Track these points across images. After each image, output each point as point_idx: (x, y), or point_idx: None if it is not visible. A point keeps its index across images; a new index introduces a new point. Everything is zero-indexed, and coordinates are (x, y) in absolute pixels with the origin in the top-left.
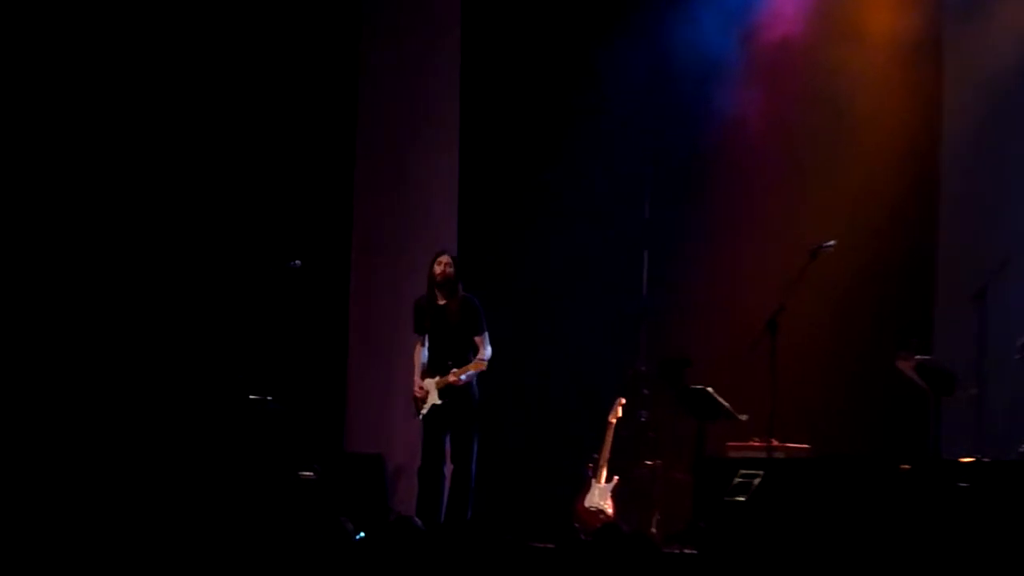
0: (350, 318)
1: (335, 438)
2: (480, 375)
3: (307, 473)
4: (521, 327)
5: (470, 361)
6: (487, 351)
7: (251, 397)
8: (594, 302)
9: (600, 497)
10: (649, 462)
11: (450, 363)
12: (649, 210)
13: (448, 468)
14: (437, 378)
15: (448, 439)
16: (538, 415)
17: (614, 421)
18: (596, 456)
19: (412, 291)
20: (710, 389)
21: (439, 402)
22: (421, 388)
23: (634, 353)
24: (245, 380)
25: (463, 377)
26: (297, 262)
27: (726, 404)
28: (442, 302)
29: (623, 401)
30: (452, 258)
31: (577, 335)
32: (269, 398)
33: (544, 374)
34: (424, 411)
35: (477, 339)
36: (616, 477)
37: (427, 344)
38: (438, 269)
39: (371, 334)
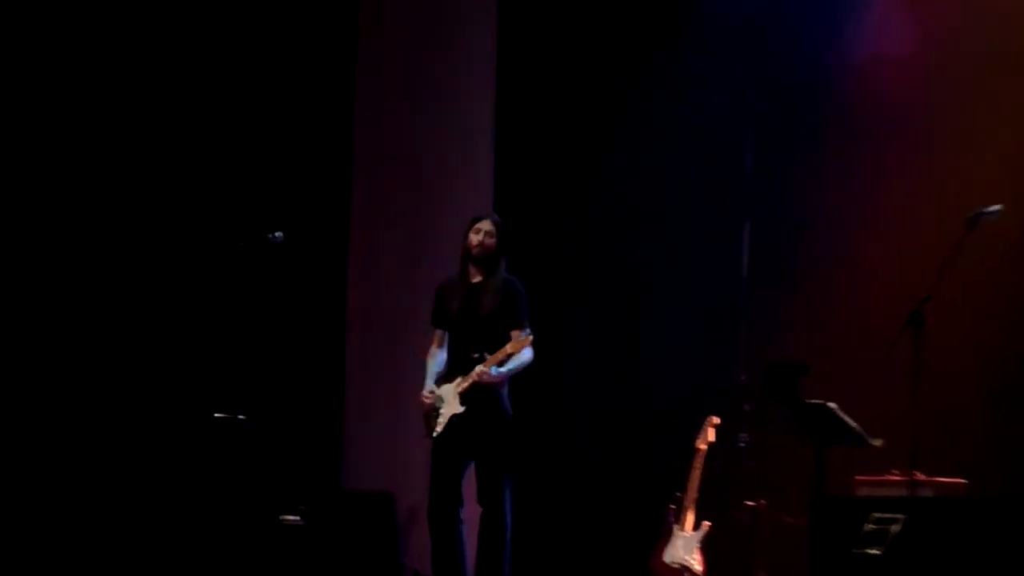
0: (348, 311)
1: (329, 470)
2: (518, 386)
3: (291, 517)
4: (576, 324)
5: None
6: (530, 349)
7: (217, 415)
8: (677, 290)
9: (685, 550)
10: (751, 502)
11: (476, 356)
12: (752, 168)
13: (466, 511)
14: (458, 380)
15: (469, 469)
16: (599, 440)
17: (704, 448)
18: (679, 495)
19: (428, 278)
20: (833, 405)
21: (460, 410)
22: (431, 393)
23: (731, 357)
24: (209, 392)
25: (495, 371)
26: (278, 234)
27: (854, 425)
28: (476, 280)
29: (716, 421)
30: (495, 225)
31: (653, 334)
32: (241, 416)
33: (608, 385)
34: (440, 427)
35: (516, 332)
36: (706, 523)
37: (447, 341)
38: (475, 239)
39: (375, 333)
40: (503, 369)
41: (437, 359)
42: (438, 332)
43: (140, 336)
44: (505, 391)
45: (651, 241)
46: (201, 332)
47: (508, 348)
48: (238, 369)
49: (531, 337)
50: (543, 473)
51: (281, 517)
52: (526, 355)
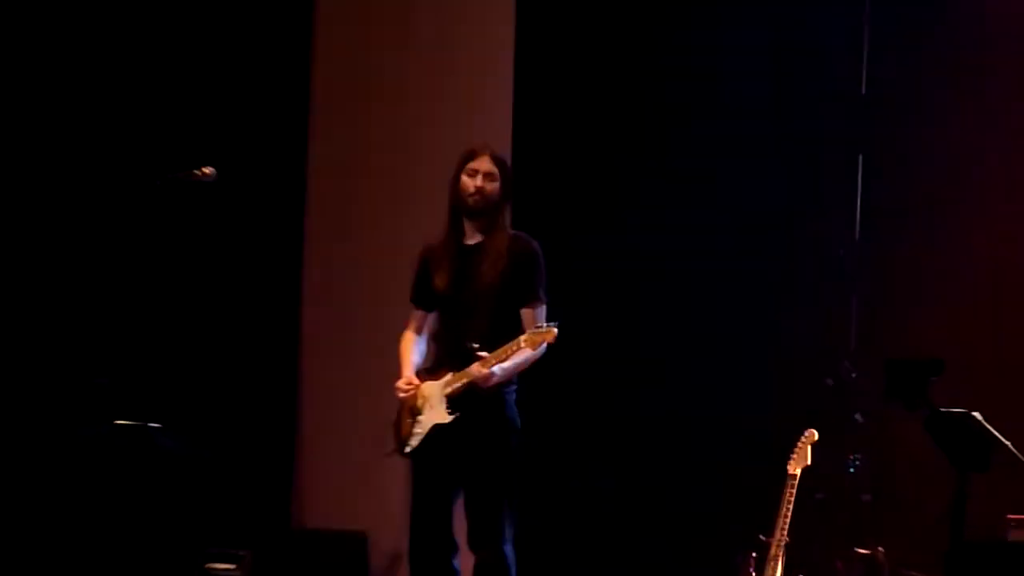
0: (304, 284)
1: (276, 503)
2: (532, 383)
3: (222, 566)
4: (614, 306)
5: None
6: (554, 340)
7: (120, 422)
8: (757, 259)
9: None
10: (863, 550)
11: (475, 346)
12: (866, 86)
13: (463, 558)
14: (448, 376)
15: (458, 498)
16: (650, 464)
17: (798, 472)
18: (763, 539)
19: (409, 247)
20: (978, 415)
21: (447, 419)
22: (409, 384)
23: (836, 351)
24: (109, 391)
25: (498, 369)
26: (208, 170)
27: (1007, 443)
28: (473, 241)
29: (815, 437)
30: (497, 163)
31: (725, 320)
32: (155, 426)
33: (661, 389)
34: (415, 440)
35: (527, 312)
36: None
37: (434, 326)
38: (471, 183)
39: (340, 314)
40: (507, 366)
41: (415, 347)
42: (417, 314)
43: (16, 309)
44: (513, 393)
45: (717, 188)
46: (99, 308)
47: (522, 342)
48: (150, 360)
49: (555, 328)
50: (565, 509)
51: (208, 566)
52: (546, 334)
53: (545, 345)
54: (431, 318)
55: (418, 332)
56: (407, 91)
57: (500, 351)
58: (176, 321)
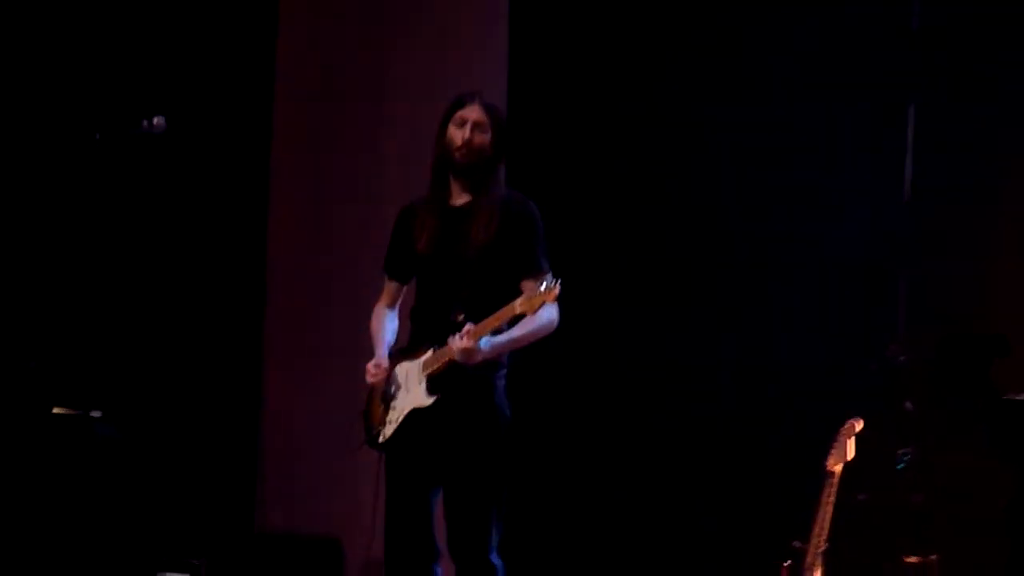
0: (269, 252)
1: (237, 503)
2: (524, 365)
3: None
4: (628, 281)
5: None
6: (552, 309)
7: (55, 410)
8: (794, 222)
9: None
10: (913, 558)
11: (460, 317)
12: (918, 20)
13: (445, 566)
14: (428, 353)
15: (438, 496)
16: (670, 458)
17: (838, 470)
18: (798, 545)
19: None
20: None
21: (426, 402)
22: (378, 367)
23: (884, 327)
24: (41, 376)
25: (487, 343)
26: (157, 120)
27: None
28: (461, 201)
29: (859, 427)
30: (489, 110)
31: (755, 295)
32: (95, 414)
33: (683, 375)
34: (389, 429)
35: (530, 284)
36: None
37: (414, 297)
38: (459, 135)
39: (310, 291)
40: (500, 339)
41: (387, 324)
42: (391, 285)
43: None
44: (502, 378)
45: (749, 138)
46: (32, 280)
47: (517, 306)
48: (91, 340)
49: (557, 288)
50: (562, 513)
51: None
52: (543, 317)
53: (550, 315)
54: (405, 292)
55: (391, 306)
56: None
57: (491, 319)
58: (123, 296)
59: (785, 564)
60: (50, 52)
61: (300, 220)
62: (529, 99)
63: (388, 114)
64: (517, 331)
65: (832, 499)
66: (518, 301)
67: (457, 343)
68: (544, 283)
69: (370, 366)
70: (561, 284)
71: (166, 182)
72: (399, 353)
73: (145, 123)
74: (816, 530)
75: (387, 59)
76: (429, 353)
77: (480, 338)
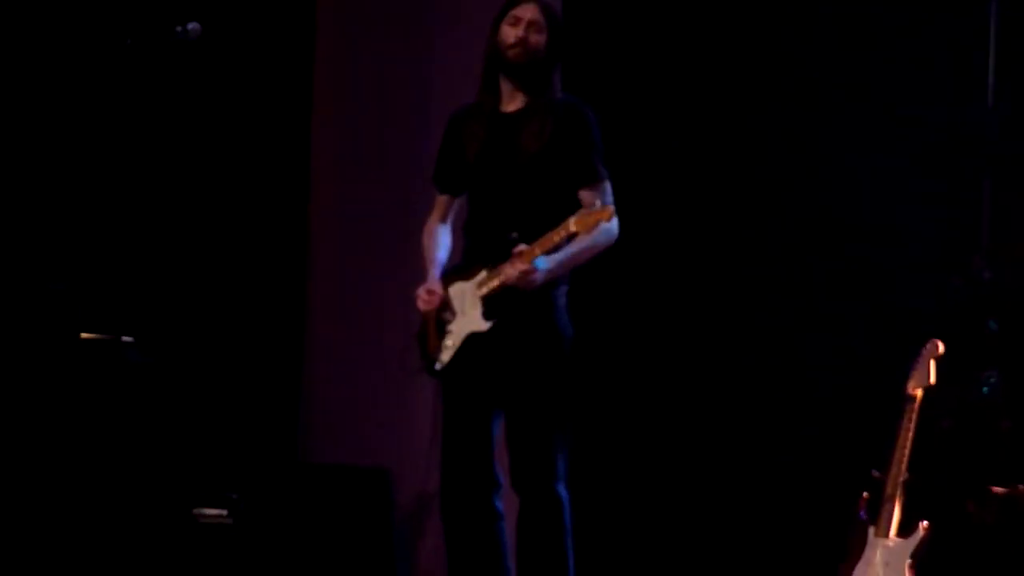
0: (313, 178)
1: (279, 433)
2: (586, 282)
3: (212, 511)
4: (697, 202)
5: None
6: (605, 226)
7: (87, 336)
8: (867, 124)
9: (889, 568)
10: (1002, 489)
11: (514, 235)
12: None
13: (506, 497)
14: (482, 273)
15: (499, 424)
16: (738, 381)
17: (919, 394)
18: (877, 475)
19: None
20: None
21: (483, 327)
22: (431, 293)
23: (965, 241)
24: (71, 298)
25: (543, 264)
26: (192, 25)
27: None
28: (513, 107)
29: (940, 349)
30: (545, 11)
31: (829, 210)
32: (127, 339)
33: (750, 292)
34: (446, 355)
35: (587, 193)
36: (924, 524)
37: (462, 212)
38: (511, 32)
39: (352, 211)
40: (557, 257)
41: (441, 241)
42: (442, 199)
43: None
44: (563, 295)
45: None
46: (58, 196)
47: (571, 225)
48: (122, 262)
49: (611, 206)
50: (630, 439)
51: (195, 511)
52: (601, 231)
53: (605, 231)
54: (459, 204)
55: (443, 221)
56: None
57: (544, 239)
58: (158, 215)
59: (864, 495)
60: None
61: (344, 130)
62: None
63: (439, 17)
64: (574, 247)
65: (913, 426)
66: (572, 219)
67: (516, 266)
68: (599, 200)
69: (422, 291)
70: (614, 198)
71: (201, 94)
72: (453, 272)
73: (179, 29)
74: (896, 459)
75: None
76: (483, 273)
77: (534, 260)
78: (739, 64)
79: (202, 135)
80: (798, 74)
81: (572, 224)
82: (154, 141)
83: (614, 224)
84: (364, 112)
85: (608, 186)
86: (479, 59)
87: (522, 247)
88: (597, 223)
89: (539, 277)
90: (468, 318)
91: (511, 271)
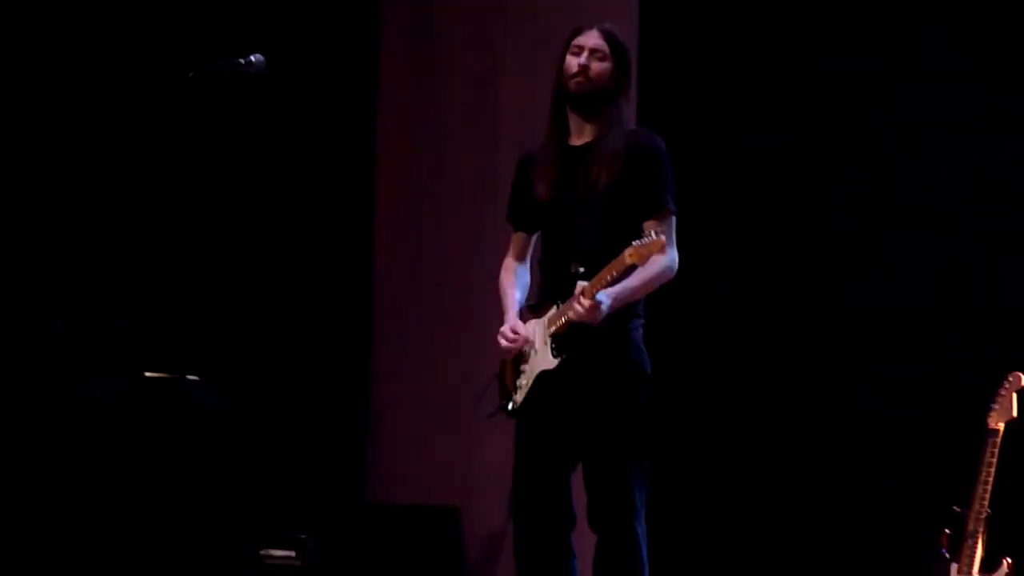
0: (377, 213)
1: (347, 473)
2: (662, 311)
3: (280, 552)
4: (770, 222)
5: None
6: (671, 252)
7: (149, 374)
8: (948, 134)
9: None
10: None
11: (581, 270)
12: None
13: (580, 537)
14: (552, 310)
15: (574, 465)
16: (817, 413)
17: (1001, 427)
18: (959, 511)
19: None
20: None
21: (551, 364)
22: (514, 335)
23: None
24: (133, 337)
25: (606, 296)
26: (256, 58)
27: None
28: (582, 141)
29: (1022, 381)
30: (609, 38)
31: (906, 232)
32: (193, 379)
33: (827, 319)
34: (520, 396)
35: (652, 224)
36: (1007, 561)
37: (536, 249)
38: (574, 61)
39: (418, 247)
40: (616, 290)
41: (518, 279)
42: (517, 236)
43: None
44: (638, 328)
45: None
46: (122, 231)
47: (627, 257)
48: (187, 300)
49: (663, 237)
50: (710, 475)
51: (263, 552)
52: (660, 262)
53: (668, 261)
54: (535, 241)
55: (520, 259)
56: None
57: (601, 273)
58: (222, 252)
59: (946, 531)
60: None
61: (408, 172)
62: (663, 33)
63: (504, 59)
64: (634, 280)
65: (995, 460)
66: (626, 252)
67: (579, 302)
68: (661, 232)
69: (505, 330)
70: (674, 225)
71: (265, 127)
72: (528, 310)
73: (242, 61)
74: (978, 495)
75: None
76: (552, 310)
77: (595, 294)
78: (804, 100)
79: (268, 170)
80: (883, 116)
81: (627, 256)
82: (221, 177)
83: (671, 255)
84: (431, 145)
85: (673, 220)
86: (549, 90)
87: (583, 284)
88: (650, 254)
89: (604, 311)
90: (539, 356)
91: (577, 307)
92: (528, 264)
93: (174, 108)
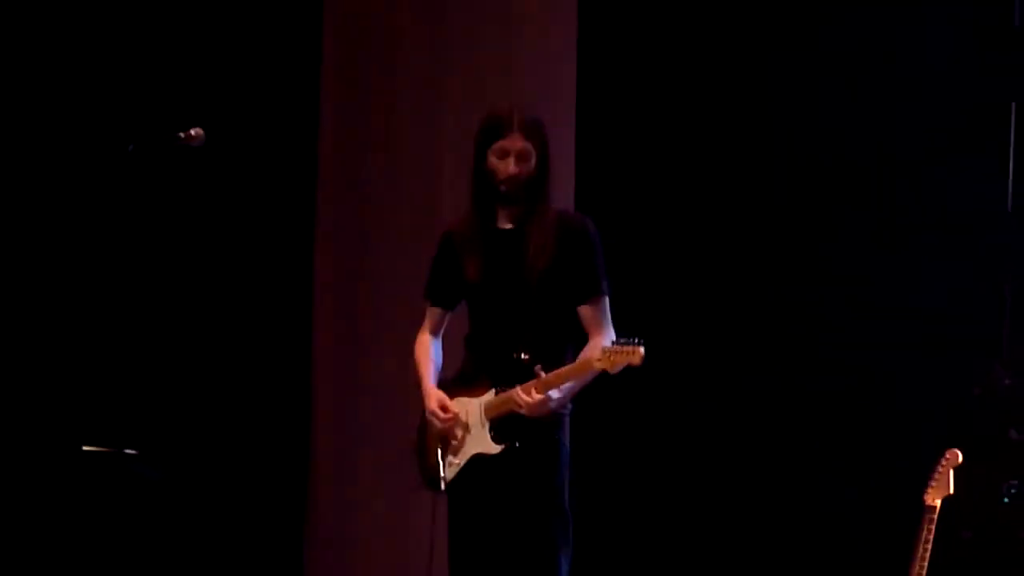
0: (316, 271)
1: (286, 550)
2: (584, 400)
3: None
4: (707, 298)
5: (566, 361)
6: (608, 335)
7: (86, 448)
8: (887, 230)
9: None
10: None
11: (524, 357)
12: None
13: None
14: (489, 395)
15: (499, 550)
16: (752, 487)
17: (938, 504)
18: None
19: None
20: None
21: (493, 450)
22: (445, 412)
23: (986, 347)
24: (74, 412)
25: (556, 394)
26: (195, 131)
27: None
28: (508, 225)
29: (959, 459)
30: (531, 133)
31: (840, 313)
32: (130, 452)
33: (767, 395)
34: (448, 474)
35: (588, 309)
36: None
37: (467, 325)
38: (502, 167)
39: (353, 324)
40: (570, 387)
41: (434, 354)
42: (434, 311)
43: None
44: (568, 413)
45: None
46: (59, 308)
47: (595, 363)
48: (125, 373)
49: (642, 349)
50: (634, 543)
51: None
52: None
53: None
54: (448, 316)
55: (434, 334)
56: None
57: (562, 373)
58: (160, 321)
59: None
60: (81, 57)
61: (347, 238)
62: (600, 97)
63: (441, 119)
64: (588, 377)
65: (932, 536)
66: (596, 358)
67: (526, 399)
68: (627, 342)
69: (435, 408)
70: (608, 306)
71: (205, 198)
72: (453, 384)
73: (182, 134)
74: (915, 570)
75: (443, 58)
76: (491, 394)
77: (557, 387)
78: (747, 165)
79: (206, 239)
80: (813, 185)
81: (596, 362)
82: (158, 248)
83: (611, 340)
84: (369, 227)
85: (607, 302)
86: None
87: (541, 376)
88: (627, 365)
89: (552, 407)
90: (474, 437)
91: (527, 399)
92: (441, 339)
93: (115, 179)
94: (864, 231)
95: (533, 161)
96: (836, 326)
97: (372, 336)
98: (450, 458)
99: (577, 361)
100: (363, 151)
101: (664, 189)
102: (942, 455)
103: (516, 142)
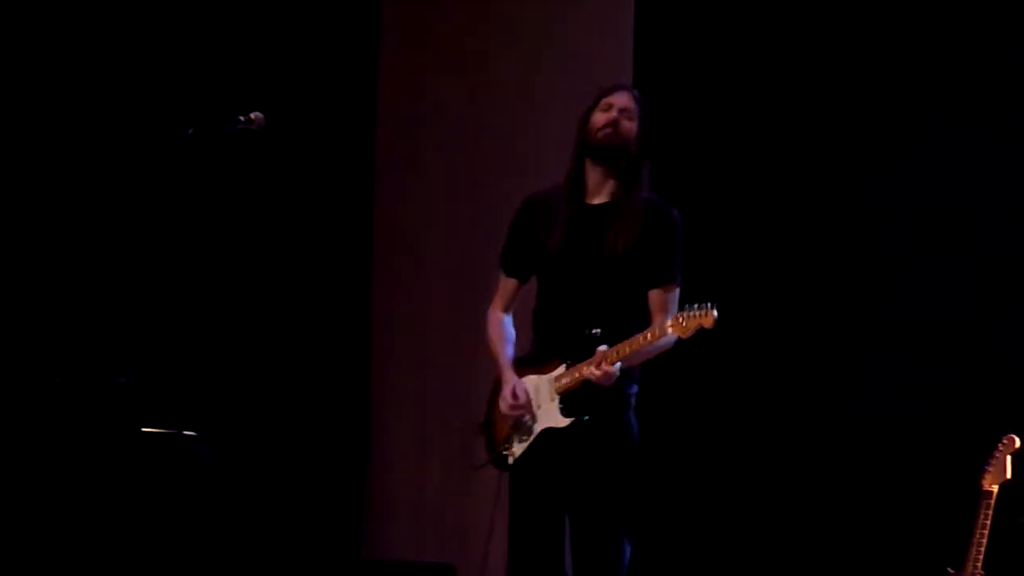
0: (375, 262)
1: (343, 529)
2: (648, 382)
3: None
4: (768, 283)
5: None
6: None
7: (148, 429)
8: (942, 216)
9: None
10: None
11: (595, 332)
12: None
13: None
14: (560, 368)
15: (568, 522)
16: (808, 475)
17: (995, 489)
18: (953, 572)
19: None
20: None
21: (562, 423)
22: (516, 398)
23: None
24: (134, 392)
25: (619, 367)
26: (256, 115)
27: None
28: (599, 199)
29: (1016, 444)
30: (639, 101)
31: (907, 297)
32: (191, 434)
33: (823, 383)
34: (516, 450)
35: (658, 294)
36: None
37: (535, 299)
38: (602, 117)
39: (413, 308)
40: (629, 357)
41: (508, 334)
42: (508, 283)
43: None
44: (635, 391)
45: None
46: (122, 289)
47: (669, 328)
48: (186, 356)
49: (715, 312)
50: (692, 532)
51: None
52: (672, 338)
53: (673, 338)
54: (522, 290)
55: (507, 310)
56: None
57: (632, 341)
58: (221, 306)
59: None
60: (142, 42)
61: (409, 228)
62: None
63: (496, 106)
64: (650, 346)
65: (988, 522)
66: (669, 323)
67: (598, 367)
68: (698, 305)
69: (507, 395)
70: (677, 298)
71: (264, 183)
72: (522, 363)
73: (242, 118)
74: (972, 556)
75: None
76: (561, 369)
77: (619, 357)
78: (802, 169)
79: (265, 224)
80: (868, 181)
81: (669, 327)
82: (219, 234)
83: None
84: (427, 209)
85: (677, 293)
86: (553, 136)
87: (604, 348)
88: (698, 328)
89: (615, 374)
90: (544, 412)
91: (595, 371)
92: (512, 315)
93: (174, 164)
94: (903, 233)
95: (635, 125)
96: (886, 323)
97: (429, 313)
98: (520, 434)
99: (650, 328)
100: (416, 131)
101: (715, 185)
102: (999, 440)
103: (622, 99)
